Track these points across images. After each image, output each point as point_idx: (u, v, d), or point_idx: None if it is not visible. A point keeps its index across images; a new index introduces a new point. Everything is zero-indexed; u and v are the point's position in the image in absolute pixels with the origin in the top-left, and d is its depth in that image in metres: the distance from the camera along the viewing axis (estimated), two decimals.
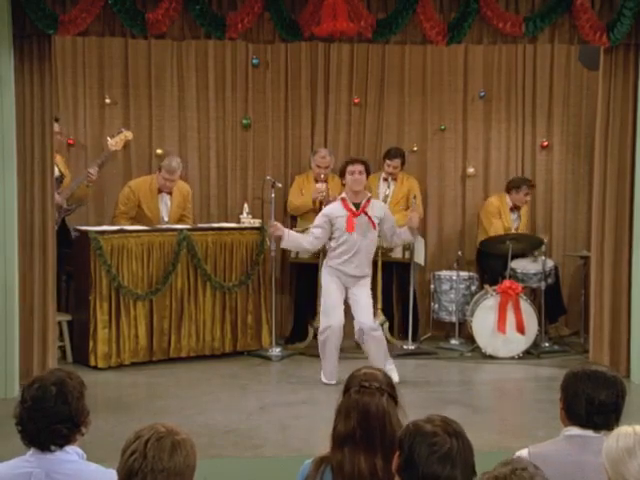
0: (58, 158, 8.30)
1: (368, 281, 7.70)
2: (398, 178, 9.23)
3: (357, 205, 7.53)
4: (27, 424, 3.06)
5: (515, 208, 9.27)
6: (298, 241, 7.77)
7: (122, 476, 2.60)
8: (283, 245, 7.85)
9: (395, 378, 7.12)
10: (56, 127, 8.16)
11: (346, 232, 7.46)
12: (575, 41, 7.71)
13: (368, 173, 7.66)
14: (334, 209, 7.62)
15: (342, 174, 7.64)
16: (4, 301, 7.04)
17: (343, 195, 7.62)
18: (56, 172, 8.16)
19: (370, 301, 7.65)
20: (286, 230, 7.77)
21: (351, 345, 8.94)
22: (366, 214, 7.51)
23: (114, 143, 8.41)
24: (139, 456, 2.56)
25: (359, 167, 7.54)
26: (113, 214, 8.68)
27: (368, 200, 7.57)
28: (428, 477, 2.58)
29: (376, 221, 7.55)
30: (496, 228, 9.14)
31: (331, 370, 7.51)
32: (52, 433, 3.05)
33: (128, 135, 8.52)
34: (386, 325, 8.83)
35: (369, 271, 7.71)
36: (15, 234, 7.11)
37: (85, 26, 7.04)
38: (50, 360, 7.32)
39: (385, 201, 9.15)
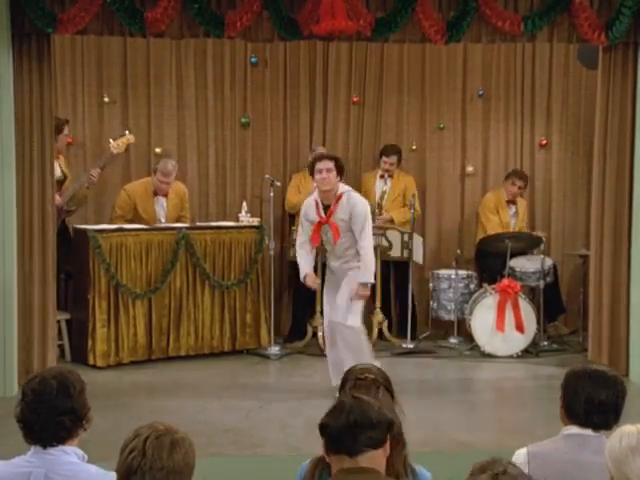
0: (60, 158, 8.33)
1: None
2: (394, 175, 9.23)
3: (327, 208, 6.95)
4: (29, 418, 3.05)
5: (511, 202, 9.29)
6: (310, 260, 7.25)
7: (121, 474, 2.60)
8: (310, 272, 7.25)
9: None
10: (65, 130, 8.23)
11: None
12: (574, 40, 7.71)
13: (340, 171, 6.92)
14: (308, 211, 7.07)
15: (311, 172, 7.01)
16: (2, 300, 7.04)
17: (315, 196, 7.05)
18: (58, 173, 8.19)
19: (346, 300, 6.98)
20: (309, 271, 7.19)
21: None
22: (331, 223, 6.90)
23: (116, 146, 8.34)
24: (138, 454, 2.56)
25: (327, 164, 6.90)
26: (110, 217, 8.67)
27: (338, 198, 6.91)
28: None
29: (341, 225, 6.89)
30: (493, 224, 9.16)
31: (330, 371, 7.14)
32: (56, 425, 3.04)
33: (130, 138, 8.47)
34: (385, 324, 8.85)
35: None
36: (14, 233, 7.11)
37: (84, 25, 7.04)
38: (50, 359, 7.32)
39: (382, 198, 9.18)
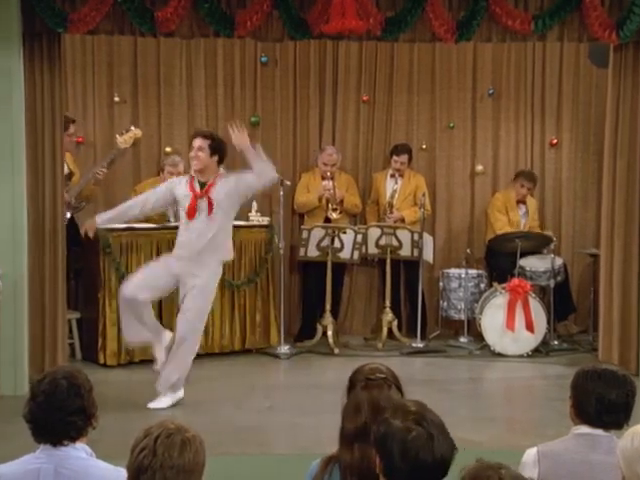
0: (67, 156, 8.36)
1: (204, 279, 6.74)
2: (405, 175, 9.22)
3: (203, 185, 6.63)
4: (40, 419, 3.06)
5: (521, 202, 9.27)
6: (120, 213, 6.89)
7: (132, 473, 2.60)
8: (102, 224, 7.07)
9: (161, 403, 6.69)
10: (72, 129, 8.25)
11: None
12: (584, 39, 7.69)
13: (219, 152, 6.59)
14: (180, 184, 6.74)
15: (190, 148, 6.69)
16: (13, 299, 7.06)
17: (192, 173, 6.72)
18: (65, 169, 8.23)
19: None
20: (102, 218, 6.92)
21: (358, 343, 8.98)
22: (208, 198, 6.57)
23: (123, 141, 8.41)
24: (149, 453, 2.57)
25: (199, 142, 6.56)
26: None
27: (218, 177, 6.62)
28: (414, 472, 2.54)
29: (221, 198, 6.56)
30: (501, 224, 9.15)
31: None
32: (67, 426, 3.05)
33: (137, 133, 8.53)
34: (395, 323, 8.84)
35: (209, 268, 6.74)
36: (25, 232, 7.13)
37: (94, 24, 7.05)
38: (61, 358, 7.34)
39: (393, 197, 9.17)
